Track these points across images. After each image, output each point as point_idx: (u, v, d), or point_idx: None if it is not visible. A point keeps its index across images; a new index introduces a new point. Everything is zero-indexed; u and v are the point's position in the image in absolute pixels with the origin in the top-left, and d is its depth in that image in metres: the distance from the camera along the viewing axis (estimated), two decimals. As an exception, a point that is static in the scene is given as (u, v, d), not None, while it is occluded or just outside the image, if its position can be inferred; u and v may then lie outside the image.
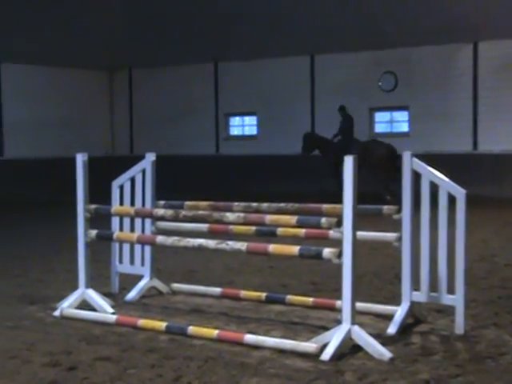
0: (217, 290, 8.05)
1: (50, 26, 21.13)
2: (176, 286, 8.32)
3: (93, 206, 7.33)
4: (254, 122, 25.76)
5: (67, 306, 7.33)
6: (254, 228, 6.59)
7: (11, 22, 20.29)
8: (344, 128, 19.63)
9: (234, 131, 26.61)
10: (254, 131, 25.82)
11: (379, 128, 23.64)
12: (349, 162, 5.63)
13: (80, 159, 7.30)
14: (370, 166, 17.87)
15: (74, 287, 7.56)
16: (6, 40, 21.23)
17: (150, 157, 8.05)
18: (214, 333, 6.17)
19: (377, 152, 18.56)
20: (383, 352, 5.59)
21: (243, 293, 7.83)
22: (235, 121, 26.64)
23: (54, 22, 21.06)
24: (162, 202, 7.81)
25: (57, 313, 7.30)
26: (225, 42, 23.22)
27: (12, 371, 5.59)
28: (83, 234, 7.34)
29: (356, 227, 5.70)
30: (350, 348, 5.79)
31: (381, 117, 23.79)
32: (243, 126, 26.65)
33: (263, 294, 7.71)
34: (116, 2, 20.83)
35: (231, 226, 6.71)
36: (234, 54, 23.90)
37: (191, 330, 6.31)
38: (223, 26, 22.45)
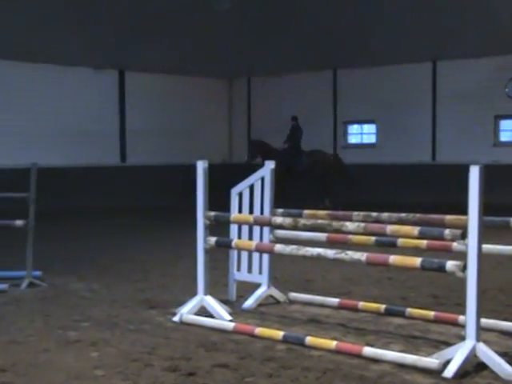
0: (334, 301, 8.02)
1: (173, 35, 21.66)
2: (293, 295, 8.36)
3: (212, 213, 7.46)
4: (373, 130, 25.60)
5: (186, 312, 7.47)
6: (373, 238, 6.54)
7: (135, 32, 20.94)
8: (292, 137, 21.38)
9: (352, 139, 26.52)
10: (372, 139, 25.66)
11: (504, 137, 22.97)
12: (474, 172, 5.48)
13: (200, 166, 7.44)
14: (317, 174, 20.66)
15: (193, 293, 7.71)
16: (132, 50, 21.95)
17: (269, 165, 8.11)
18: (333, 344, 6.14)
19: (324, 161, 21.21)
20: (511, 372, 5.41)
21: (361, 304, 7.78)
22: (353, 129, 26.56)
23: (176, 32, 21.58)
24: (280, 210, 7.85)
25: (176, 318, 7.47)
26: (344, 49, 23.16)
27: (134, 374, 5.77)
28: (202, 240, 7.47)
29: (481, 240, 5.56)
30: (474, 366, 5.63)
31: (507, 125, 23.10)
32: (362, 134, 26.53)
33: (382, 306, 7.63)
34: (236, 11, 21.11)
35: (350, 236, 6.66)
36: (353, 60, 23.82)
37: (309, 340, 6.30)
38: (341, 33, 22.39)
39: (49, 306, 8.45)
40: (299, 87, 25.35)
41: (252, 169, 8.61)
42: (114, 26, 20.46)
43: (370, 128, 25.83)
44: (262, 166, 8.19)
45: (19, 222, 9.46)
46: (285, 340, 6.45)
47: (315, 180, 20.99)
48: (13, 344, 6.78)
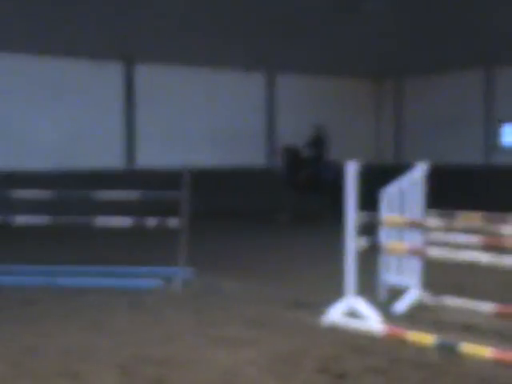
0: (489, 307, 7.80)
1: (321, 35, 21.65)
2: (445, 299, 8.20)
3: (362, 215, 7.46)
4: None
5: (335, 314, 7.53)
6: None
7: (283, 32, 21.12)
8: (316, 146, 19.48)
9: (507, 140, 25.67)
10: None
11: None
12: None
13: (351, 166, 7.44)
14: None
15: (341, 295, 7.74)
16: (283, 51, 22.16)
17: (422, 166, 8.02)
18: (489, 352, 5.99)
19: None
20: None
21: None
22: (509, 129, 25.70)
23: (325, 33, 21.54)
24: (432, 212, 7.72)
25: (325, 319, 7.54)
26: (498, 46, 22.42)
27: (285, 373, 5.88)
28: (353, 241, 7.49)
29: None
30: None
31: None
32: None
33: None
34: (386, 11, 20.85)
35: (507, 240, 6.47)
36: (507, 56, 23.02)
37: (463, 347, 6.19)
38: (495, 27, 21.68)
39: (200, 304, 8.76)
40: (449, 86, 24.81)
41: (400, 170, 8.49)
42: (264, 28, 20.71)
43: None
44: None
45: (173, 222, 9.86)
46: (437, 346, 6.37)
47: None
48: (167, 339, 7.08)
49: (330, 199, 17.92)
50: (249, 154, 23.54)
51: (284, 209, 18.45)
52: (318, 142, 19.63)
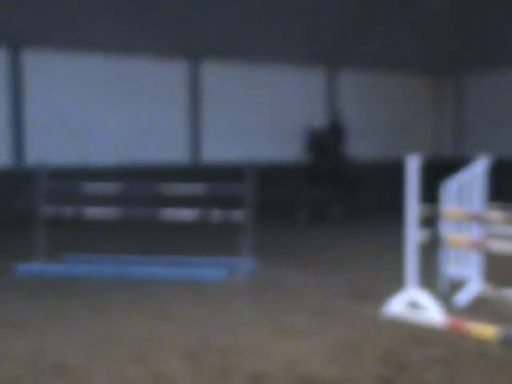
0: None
1: (384, 32, 21.46)
2: (505, 292, 8.18)
3: (423, 207, 7.45)
4: None
5: (396, 305, 7.57)
6: None
7: (347, 29, 21.03)
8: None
9: None
10: None
11: None
12: None
13: (412, 161, 7.44)
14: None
15: (402, 286, 7.80)
16: (347, 47, 22.04)
17: (483, 160, 7.95)
18: (550, 344, 5.93)
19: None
20: None
21: None
22: None
23: (388, 30, 21.36)
24: (492, 206, 7.64)
25: (387, 310, 7.59)
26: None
27: (347, 363, 5.97)
28: (414, 234, 7.51)
29: None
30: None
31: None
32: None
33: None
34: (448, 10, 20.55)
35: None
36: None
37: (525, 339, 6.14)
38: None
39: (264, 293, 8.88)
40: (510, 82, 24.35)
41: (460, 164, 8.41)
42: (328, 24, 20.67)
43: None
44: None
45: (236, 214, 10.00)
46: (498, 338, 6.39)
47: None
48: (232, 327, 7.23)
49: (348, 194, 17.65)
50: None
51: (337, 204, 18.12)
52: (337, 129, 18.12)
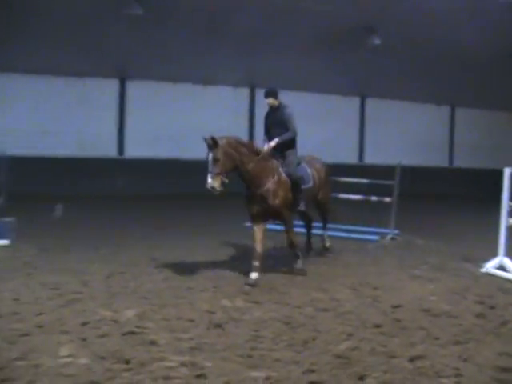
0: None
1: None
2: None
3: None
4: None
5: (490, 266, 7.76)
6: None
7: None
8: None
9: None
10: None
11: None
12: None
13: (508, 172, 7.62)
14: None
15: (495, 254, 7.82)
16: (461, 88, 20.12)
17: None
18: None
19: None
20: None
21: None
22: None
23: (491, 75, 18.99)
24: None
25: (483, 269, 7.78)
26: None
27: (454, 302, 6.18)
28: (505, 219, 7.67)
29: None
30: None
31: None
32: None
33: None
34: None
35: None
36: None
37: None
38: None
39: (401, 253, 9.12)
40: None
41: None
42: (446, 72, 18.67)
43: None
44: None
45: (387, 199, 10.36)
46: None
47: None
48: (380, 273, 7.54)
49: None
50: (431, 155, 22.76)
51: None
52: None
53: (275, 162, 7.18)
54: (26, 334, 4.95)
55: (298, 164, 7.58)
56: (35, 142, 16.82)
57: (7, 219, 9.14)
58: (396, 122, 21.69)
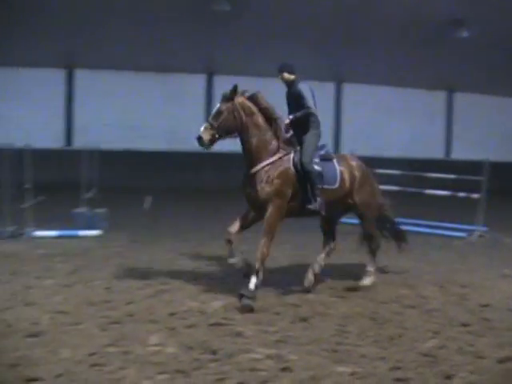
0: None
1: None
2: None
3: None
4: None
5: None
6: None
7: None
8: None
9: None
10: None
11: None
12: None
13: None
14: None
15: None
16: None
17: None
18: None
19: None
20: None
21: None
22: None
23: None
24: None
25: None
26: None
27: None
28: None
29: None
30: None
31: None
32: None
33: None
34: None
35: None
36: None
37: None
38: None
39: (490, 251, 8.98)
40: None
41: None
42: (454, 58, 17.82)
43: None
44: None
45: (475, 195, 10.12)
46: None
47: None
48: (468, 271, 7.46)
49: None
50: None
51: None
52: None
53: (289, 148, 6.16)
54: (117, 322, 5.16)
55: (327, 159, 6.43)
56: (125, 137, 17.45)
57: (100, 210, 9.56)
58: (484, 117, 21.02)
